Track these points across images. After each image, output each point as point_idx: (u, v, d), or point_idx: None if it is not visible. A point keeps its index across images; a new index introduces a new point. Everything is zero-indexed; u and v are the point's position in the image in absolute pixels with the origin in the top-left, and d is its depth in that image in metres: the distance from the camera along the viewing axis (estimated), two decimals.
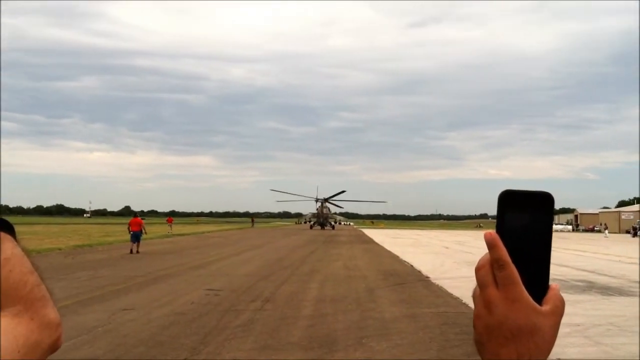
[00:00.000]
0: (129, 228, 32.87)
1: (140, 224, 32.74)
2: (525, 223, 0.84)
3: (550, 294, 0.84)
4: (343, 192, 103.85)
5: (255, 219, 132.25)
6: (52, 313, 1.20)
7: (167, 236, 52.51)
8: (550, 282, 0.84)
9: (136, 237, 31.88)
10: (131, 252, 30.77)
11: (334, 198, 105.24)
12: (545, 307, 0.83)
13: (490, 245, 0.83)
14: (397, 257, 30.67)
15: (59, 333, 1.22)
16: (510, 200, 0.85)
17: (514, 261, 0.82)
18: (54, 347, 1.22)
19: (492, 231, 0.84)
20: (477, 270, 0.85)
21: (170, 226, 68.11)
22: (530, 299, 0.82)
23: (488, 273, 0.84)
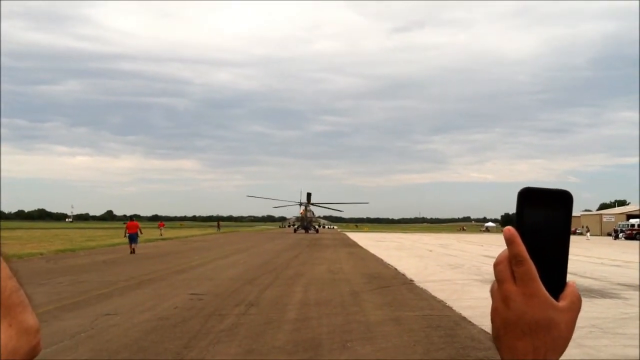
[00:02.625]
0: (125, 231, 35.89)
1: (137, 227, 35.52)
2: (543, 220, 0.85)
3: (567, 291, 0.86)
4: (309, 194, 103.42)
5: (238, 223, 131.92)
6: (30, 319, 1.17)
7: (153, 240, 52.72)
8: (567, 279, 0.85)
9: (133, 239, 34.66)
10: (131, 252, 33.78)
11: (311, 202, 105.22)
12: (562, 303, 0.85)
13: (509, 241, 0.85)
14: (381, 260, 30.70)
15: (37, 339, 1.19)
16: (530, 197, 0.86)
17: (532, 257, 0.83)
18: (32, 353, 1.19)
19: (511, 227, 0.85)
20: (496, 265, 0.87)
21: (161, 231, 72.25)
22: (548, 294, 0.84)
23: (506, 268, 0.85)
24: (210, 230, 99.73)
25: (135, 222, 36.15)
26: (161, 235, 66.28)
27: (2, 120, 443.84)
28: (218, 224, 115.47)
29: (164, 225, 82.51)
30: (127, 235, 35.29)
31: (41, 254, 32.37)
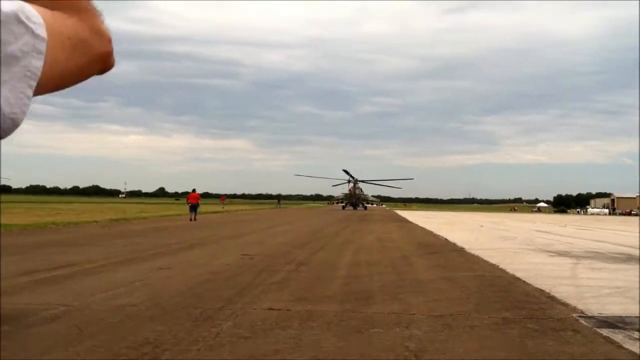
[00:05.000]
0: (187, 200, 40.51)
1: (197, 198, 39.58)
2: None
3: None
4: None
5: (287, 201, 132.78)
6: (102, 26, 1.13)
7: (213, 212, 56.15)
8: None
9: (194, 208, 38.33)
10: (190, 220, 36.63)
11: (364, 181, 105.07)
12: None
13: None
14: (431, 232, 30.48)
15: (109, 48, 1.15)
16: None
17: None
18: (104, 58, 1.15)
19: None
20: None
21: (223, 205, 79.88)
22: None
23: None
24: (266, 207, 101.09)
25: (196, 194, 39.77)
26: (223, 208, 71.64)
27: (58, 99, 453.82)
28: (278, 200, 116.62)
29: (224, 199, 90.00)
30: (189, 204, 39.29)
31: (96, 221, 33.15)
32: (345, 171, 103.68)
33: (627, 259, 17.39)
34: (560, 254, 18.30)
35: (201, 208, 41.73)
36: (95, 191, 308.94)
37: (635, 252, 19.88)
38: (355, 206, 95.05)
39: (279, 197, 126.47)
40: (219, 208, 71.80)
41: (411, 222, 44.56)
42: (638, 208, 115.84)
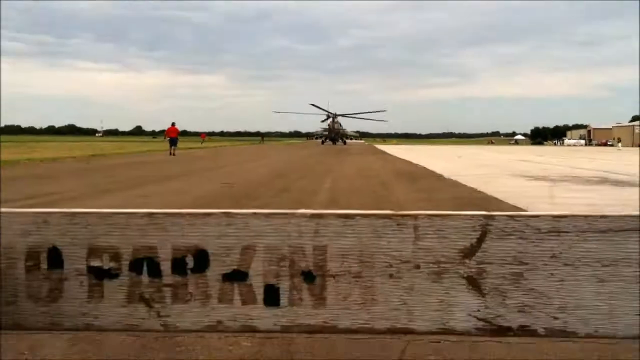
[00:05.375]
0: (165, 135, 40.06)
1: (176, 131, 38.83)
2: None
3: None
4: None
5: (266, 138, 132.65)
6: None
7: (194, 148, 56.50)
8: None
9: (173, 142, 37.58)
10: (170, 154, 36.14)
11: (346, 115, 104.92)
12: None
13: None
14: (410, 162, 30.71)
15: None
16: None
17: None
18: None
19: None
20: None
21: (202, 141, 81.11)
22: None
23: None
24: (247, 143, 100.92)
25: (174, 127, 38.92)
26: (202, 145, 72.33)
27: (28, 36, 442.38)
28: (262, 137, 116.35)
29: (205, 136, 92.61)
30: (168, 139, 38.63)
31: (73, 157, 32.84)
32: (314, 105, 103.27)
33: (601, 181, 17.67)
34: (538, 178, 18.54)
35: (180, 145, 41.37)
36: (71, 130, 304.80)
37: (608, 175, 20.21)
38: (334, 141, 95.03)
39: (262, 135, 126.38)
40: (197, 145, 71.44)
41: (390, 154, 44.72)
42: (613, 138, 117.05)
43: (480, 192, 13.85)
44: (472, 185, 15.39)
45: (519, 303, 1.99)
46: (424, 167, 24.81)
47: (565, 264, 1.89)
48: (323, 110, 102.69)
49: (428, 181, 17.38)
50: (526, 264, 1.90)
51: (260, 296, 2.06)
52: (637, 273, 1.86)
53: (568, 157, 43.26)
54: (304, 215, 1.94)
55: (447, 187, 15.31)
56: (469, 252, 1.90)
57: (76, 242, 2.04)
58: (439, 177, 18.85)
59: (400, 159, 36.37)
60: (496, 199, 12.24)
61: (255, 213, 1.98)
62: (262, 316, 2.02)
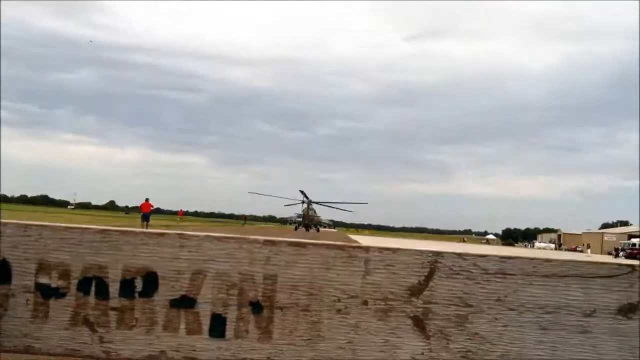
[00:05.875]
0: (140, 209, 41.00)
1: (149, 207, 39.63)
2: None
3: None
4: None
5: (240, 221, 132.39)
6: None
7: (171, 226, 54.06)
8: None
9: (146, 218, 38.34)
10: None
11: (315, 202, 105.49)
12: None
13: None
14: None
15: None
16: None
17: None
18: None
19: None
20: None
21: (179, 220, 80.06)
22: None
23: None
24: (224, 225, 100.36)
25: (148, 203, 39.70)
26: (177, 223, 70.62)
27: (14, 105, 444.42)
28: (245, 219, 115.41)
29: (182, 214, 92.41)
30: (141, 214, 39.64)
31: None
32: (302, 192, 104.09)
33: None
34: None
35: (155, 222, 41.49)
36: (43, 201, 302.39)
37: None
38: (307, 227, 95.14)
39: (245, 217, 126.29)
40: (173, 222, 71.04)
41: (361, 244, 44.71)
42: (583, 244, 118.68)
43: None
44: None
45: (462, 348, 1.93)
46: None
47: (510, 309, 1.86)
48: (304, 195, 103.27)
49: None
50: (471, 306, 1.86)
51: (206, 326, 1.97)
52: (579, 322, 1.85)
53: None
54: (257, 242, 1.90)
55: None
56: (416, 290, 1.87)
57: (27, 256, 1.97)
58: None
59: None
60: None
61: (208, 236, 1.94)
62: (207, 348, 1.94)
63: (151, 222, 43.92)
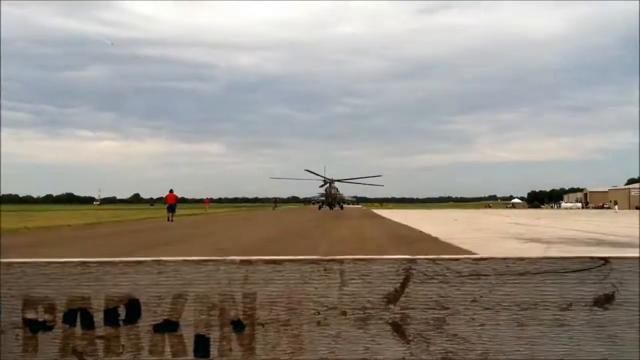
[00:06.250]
0: (165, 201, 41.63)
1: (175, 198, 40.25)
2: None
3: None
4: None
5: (264, 204, 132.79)
6: None
7: (197, 214, 56.30)
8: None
9: (171, 208, 38.87)
10: (168, 219, 37.45)
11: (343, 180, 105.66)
12: None
13: None
14: (407, 225, 30.72)
15: None
16: None
17: None
18: None
19: None
20: None
21: (206, 207, 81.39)
22: None
23: None
24: (243, 210, 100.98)
25: (173, 194, 40.33)
26: (206, 211, 71.77)
27: (29, 106, 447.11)
28: (275, 202, 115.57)
29: (208, 201, 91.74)
30: (166, 205, 40.03)
31: (69, 225, 32.84)
32: (309, 170, 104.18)
33: (597, 243, 17.70)
34: (533, 240, 18.56)
35: (182, 211, 41.97)
36: (68, 199, 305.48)
37: (605, 237, 20.24)
38: (331, 206, 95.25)
39: (275, 200, 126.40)
40: (201, 210, 71.98)
41: (387, 218, 44.77)
42: (610, 201, 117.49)
43: (474, 253, 13.84)
44: (465, 248, 15.42)
45: (442, 349, 1.97)
46: (420, 231, 24.83)
47: (486, 308, 1.90)
48: (319, 175, 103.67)
49: (423, 245, 17.39)
50: (448, 308, 1.91)
51: (190, 347, 2.03)
52: (556, 317, 1.88)
53: (565, 219, 43.35)
54: (233, 262, 1.94)
55: (441, 250, 15.31)
56: (393, 298, 1.91)
57: (12, 293, 2.05)
58: (435, 241, 18.86)
59: (396, 222, 36.38)
60: None
61: (185, 260, 1.98)
62: None
63: (180, 212, 44.61)
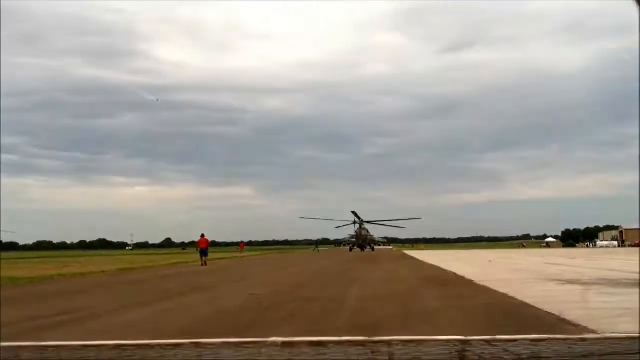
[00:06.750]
0: (197, 246, 42.07)
1: (206, 242, 40.75)
2: None
3: None
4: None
5: (294, 247, 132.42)
6: None
7: (230, 258, 57.48)
8: None
9: (204, 253, 39.56)
10: (202, 264, 38.00)
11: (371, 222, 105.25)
12: None
13: None
14: (439, 267, 30.34)
15: None
16: None
17: None
18: None
19: None
20: None
21: (241, 251, 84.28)
22: None
23: None
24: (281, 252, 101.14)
25: (205, 238, 40.81)
26: (241, 254, 73.44)
27: (63, 154, 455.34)
28: (316, 245, 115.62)
29: (243, 246, 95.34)
30: (199, 250, 40.57)
31: (103, 271, 33.02)
32: (354, 212, 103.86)
33: (637, 283, 17.21)
34: (571, 282, 18.14)
35: (216, 255, 42.35)
36: (102, 245, 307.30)
37: None
38: (362, 247, 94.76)
39: (316, 243, 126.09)
40: (236, 254, 72.94)
41: (419, 260, 44.32)
42: None
43: (511, 297, 13.56)
44: (502, 291, 15.09)
45: None
46: (454, 273, 24.46)
47: None
48: (358, 218, 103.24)
49: (457, 287, 17.11)
50: None
51: None
52: None
53: (601, 259, 42.45)
54: (275, 344, 1.84)
55: (477, 293, 15.03)
56: None
57: None
58: (469, 283, 18.54)
59: (428, 264, 35.95)
60: (527, 304, 11.95)
61: (225, 342, 1.88)
62: None
63: (215, 255, 45.01)
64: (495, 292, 15.14)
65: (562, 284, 17.51)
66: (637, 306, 11.39)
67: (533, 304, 11.89)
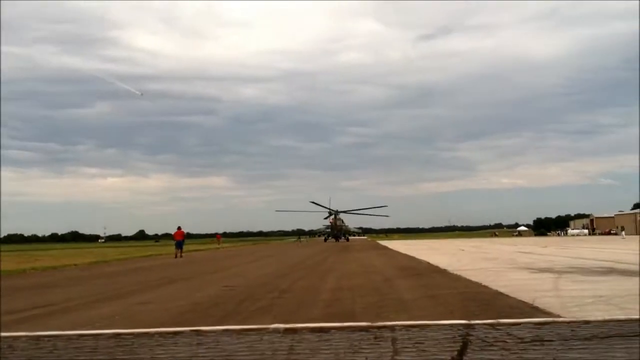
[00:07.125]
0: (173, 237, 42.18)
1: (182, 234, 41.23)
2: None
3: None
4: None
5: (269, 238, 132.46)
6: None
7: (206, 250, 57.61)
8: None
9: (179, 245, 39.82)
10: (176, 256, 38.14)
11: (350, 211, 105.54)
12: None
13: None
14: (413, 257, 30.49)
15: None
16: None
17: None
18: None
19: None
20: None
21: (219, 242, 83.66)
22: None
23: None
24: (254, 243, 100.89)
25: (181, 231, 41.28)
26: (219, 246, 73.79)
27: (36, 144, 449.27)
28: (299, 236, 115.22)
29: (220, 237, 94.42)
30: (175, 241, 40.92)
31: (75, 264, 32.67)
32: (314, 202, 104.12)
33: (608, 271, 17.48)
34: (542, 270, 18.36)
35: (191, 247, 42.24)
36: (73, 237, 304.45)
37: (615, 265, 20.02)
38: (337, 238, 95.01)
39: (299, 234, 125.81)
40: (214, 245, 73.06)
41: (392, 250, 44.54)
42: (616, 227, 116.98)
43: (484, 286, 13.68)
44: (475, 280, 15.23)
45: None
46: (427, 262, 24.63)
47: None
48: (324, 207, 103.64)
49: (431, 276, 17.21)
50: None
51: None
52: None
53: (572, 247, 43.05)
54: (277, 331, 1.80)
55: (450, 282, 15.14)
56: None
57: None
58: (442, 272, 18.67)
59: (402, 254, 36.14)
60: (501, 293, 12.07)
61: (226, 330, 1.84)
62: None
63: (191, 247, 44.81)
64: (469, 281, 15.27)
65: (535, 272, 17.72)
66: (608, 293, 11.59)
67: (506, 293, 12.03)
